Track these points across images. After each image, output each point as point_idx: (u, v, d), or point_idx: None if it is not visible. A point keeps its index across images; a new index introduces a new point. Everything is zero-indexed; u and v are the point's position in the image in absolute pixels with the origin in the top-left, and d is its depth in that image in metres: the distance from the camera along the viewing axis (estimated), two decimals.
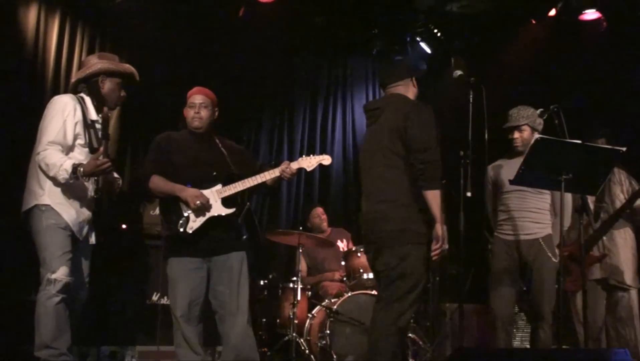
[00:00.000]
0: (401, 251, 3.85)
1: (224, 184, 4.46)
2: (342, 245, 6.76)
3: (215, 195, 4.43)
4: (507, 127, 4.93)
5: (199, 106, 4.56)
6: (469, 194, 4.13)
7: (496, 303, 4.84)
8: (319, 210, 7.07)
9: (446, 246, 3.90)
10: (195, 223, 4.37)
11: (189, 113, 4.58)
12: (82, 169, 4.02)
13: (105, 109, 4.36)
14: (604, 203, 5.27)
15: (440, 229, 3.85)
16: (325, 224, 7.01)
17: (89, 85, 4.36)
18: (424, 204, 3.84)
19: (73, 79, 4.51)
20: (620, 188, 5.31)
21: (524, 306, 6.12)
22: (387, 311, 3.86)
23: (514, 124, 4.89)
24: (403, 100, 4.09)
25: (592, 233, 5.22)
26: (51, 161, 4.04)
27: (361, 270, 6.12)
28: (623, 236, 5.24)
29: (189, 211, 4.37)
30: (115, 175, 4.47)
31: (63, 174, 4.02)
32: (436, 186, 3.80)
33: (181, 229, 4.35)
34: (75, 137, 4.19)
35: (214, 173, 4.47)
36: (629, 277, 5.17)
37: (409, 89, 4.17)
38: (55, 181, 4.10)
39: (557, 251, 4.84)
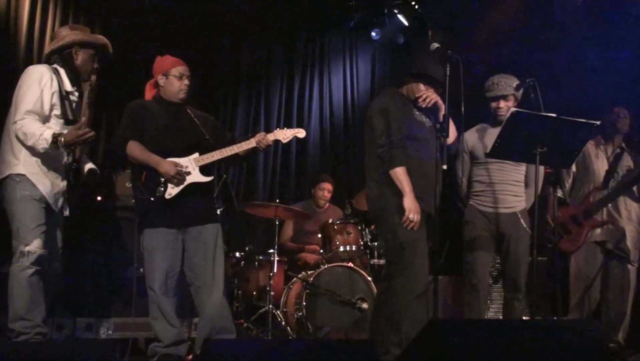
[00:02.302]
0: (389, 222, 4.20)
1: (201, 153, 4.46)
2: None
3: (193, 163, 4.42)
4: (493, 96, 4.79)
5: (187, 77, 4.55)
6: (444, 167, 4.15)
7: (476, 272, 4.77)
8: (326, 185, 7.11)
9: (415, 217, 4.17)
10: (173, 189, 4.35)
11: (175, 84, 4.52)
12: (62, 139, 3.98)
13: (93, 77, 4.32)
14: (615, 173, 5.35)
15: (406, 201, 4.16)
16: (323, 201, 7.05)
17: (62, 56, 4.30)
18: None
19: (46, 51, 4.45)
20: (634, 164, 5.39)
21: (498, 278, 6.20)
22: (401, 283, 4.15)
23: (502, 93, 4.76)
24: (386, 91, 4.61)
25: (599, 199, 5.33)
26: (30, 130, 4.00)
27: (337, 242, 6.16)
28: (628, 209, 5.35)
29: None
30: (92, 165, 4.45)
31: (43, 144, 3.98)
32: (394, 165, 4.20)
33: (158, 195, 4.33)
34: (51, 108, 4.15)
35: (190, 141, 4.46)
36: (628, 247, 5.28)
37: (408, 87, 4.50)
38: (32, 150, 4.06)
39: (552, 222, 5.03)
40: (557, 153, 4.19)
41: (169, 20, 7.38)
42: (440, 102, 4.35)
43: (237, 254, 6.33)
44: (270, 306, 5.79)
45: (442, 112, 4.29)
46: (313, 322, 5.70)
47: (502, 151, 4.26)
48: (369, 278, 5.91)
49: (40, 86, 4.11)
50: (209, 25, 7.68)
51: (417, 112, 4.43)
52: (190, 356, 4.48)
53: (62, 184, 4.25)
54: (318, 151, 8.69)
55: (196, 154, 4.45)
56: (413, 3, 8.30)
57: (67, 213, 4.33)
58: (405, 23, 8.55)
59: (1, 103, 4.39)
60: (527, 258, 4.71)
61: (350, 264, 6.02)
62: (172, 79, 4.54)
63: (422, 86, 4.38)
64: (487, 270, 4.86)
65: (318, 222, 6.62)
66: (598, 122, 4.20)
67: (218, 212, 4.90)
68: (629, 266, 5.31)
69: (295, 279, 6.12)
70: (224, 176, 6.27)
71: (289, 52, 8.74)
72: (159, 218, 4.39)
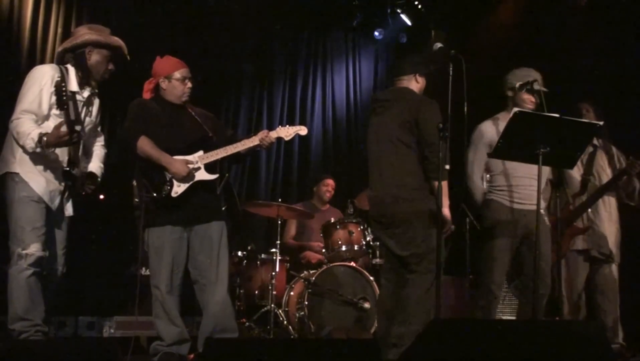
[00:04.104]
0: (423, 230, 4.20)
1: (205, 151, 4.46)
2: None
3: (199, 161, 4.43)
4: (540, 90, 4.68)
5: (189, 79, 4.56)
6: (447, 166, 4.14)
7: (494, 276, 4.66)
8: (330, 181, 7.12)
9: (453, 227, 4.28)
10: (179, 187, 4.35)
11: (178, 88, 4.53)
12: (45, 138, 3.96)
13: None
14: (590, 176, 5.30)
15: (447, 212, 4.19)
16: (328, 196, 7.04)
17: (75, 56, 4.28)
18: (430, 189, 4.25)
19: (59, 49, 4.43)
20: (609, 161, 5.35)
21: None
22: (421, 283, 4.21)
23: (544, 90, 4.70)
24: (412, 94, 4.42)
25: (578, 205, 5.25)
26: (21, 129, 3.99)
27: (339, 242, 6.15)
28: (608, 210, 5.27)
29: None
30: (94, 170, 4.37)
31: (30, 143, 3.96)
32: (445, 177, 4.10)
33: (165, 194, 4.33)
34: (50, 107, 4.12)
35: (194, 140, 4.47)
36: (610, 249, 5.23)
37: (411, 83, 4.48)
38: (24, 149, 4.05)
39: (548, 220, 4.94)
40: (560, 154, 4.18)
41: (172, 19, 7.38)
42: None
43: (239, 253, 6.33)
44: (272, 305, 5.78)
45: None
46: (315, 321, 5.70)
47: (504, 151, 4.25)
48: (371, 278, 5.91)
49: (40, 85, 4.10)
50: (211, 24, 7.68)
51: None
52: (192, 355, 4.48)
53: (59, 183, 4.22)
54: (320, 150, 8.70)
55: (201, 152, 4.45)
56: (416, 3, 8.29)
57: (69, 212, 4.30)
58: (408, 23, 8.56)
59: (5, 102, 4.39)
60: (550, 256, 4.71)
61: (353, 263, 6.02)
62: (174, 82, 4.53)
63: None
64: (504, 274, 4.77)
65: (320, 221, 6.62)
66: (601, 123, 4.19)
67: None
68: (614, 266, 5.26)
69: (297, 278, 6.12)
70: (226, 175, 6.27)
71: (291, 52, 8.74)
72: (164, 216, 4.39)
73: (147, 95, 4.63)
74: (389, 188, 4.32)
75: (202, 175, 4.43)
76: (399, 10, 8.49)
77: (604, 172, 5.31)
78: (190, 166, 4.38)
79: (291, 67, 8.73)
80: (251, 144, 4.53)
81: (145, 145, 4.36)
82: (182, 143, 4.44)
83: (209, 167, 4.46)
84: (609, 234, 5.24)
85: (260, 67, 8.44)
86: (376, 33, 8.79)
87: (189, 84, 4.55)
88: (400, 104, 4.36)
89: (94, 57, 4.29)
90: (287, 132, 4.68)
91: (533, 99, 4.74)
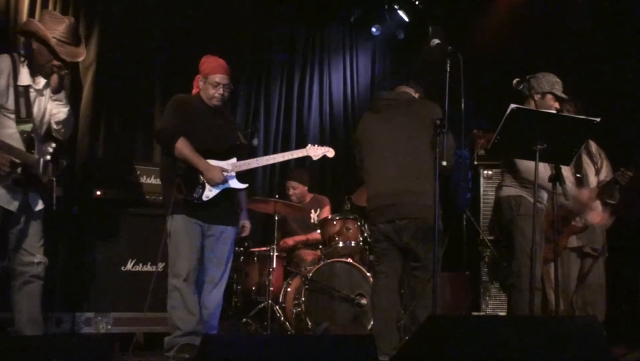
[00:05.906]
0: (431, 220, 4.23)
1: (239, 158, 4.58)
2: (313, 215, 6.82)
3: (232, 168, 4.55)
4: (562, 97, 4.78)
5: (223, 87, 4.61)
6: (444, 163, 4.14)
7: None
8: (291, 183, 7.08)
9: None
10: (211, 192, 4.47)
11: (210, 91, 4.60)
12: None
13: (52, 74, 4.10)
14: (583, 176, 5.31)
15: None
16: (294, 198, 7.03)
17: (25, 43, 4.12)
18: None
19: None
20: (591, 158, 5.37)
21: (499, 276, 6.19)
22: (426, 273, 4.34)
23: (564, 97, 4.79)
24: (420, 98, 4.69)
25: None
26: None
27: (336, 238, 6.16)
28: (596, 206, 5.31)
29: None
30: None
31: None
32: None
33: (196, 197, 4.42)
34: None
35: (229, 145, 4.59)
36: (602, 245, 5.26)
37: (412, 92, 4.73)
38: None
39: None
40: (557, 150, 4.19)
41: (167, 15, 7.35)
42: None
43: (236, 249, 6.33)
44: (269, 301, 5.79)
45: None
46: (312, 317, 5.71)
47: (501, 148, 4.25)
48: (368, 274, 5.90)
49: None
50: (209, 22, 7.66)
51: None
52: None
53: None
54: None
55: (234, 159, 4.58)
56: None
57: (37, 207, 4.12)
58: (406, 19, 8.55)
59: None
60: None
61: (350, 260, 6.02)
62: (208, 85, 4.61)
63: None
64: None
65: (300, 217, 6.72)
66: (598, 119, 4.20)
67: None
68: (601, 261, 5.29)
69: (294, 274, 6.12)
70: None
71: (288, 48, 8.72)
72: (190, 210, 4.46)
73: (196, 89, 4.72)
74: (404, 181, 4.42)
75: (234, 184, 4.58)
76: (396, 6, 8.49)
77: (590, 170, 5.34)
78: (225, 174, 4.49)
79: (288, 64, 8.71)
80: (284, 159, 4.91)
81: (184, 148, 4.43)
82: (218, 147, 4.55)
83: (240, 176, 4.60)
84: (599, 231, 5.28)
85: (257, 64, 8.42)
86: (373, 29, 8.78)
87: (221, 91, 4.60)
88: (414, 105, 4.57)
89: (36, 48, 4.07)
90: (315, 152, 4.96)
91: (558, 106, 4.78)
